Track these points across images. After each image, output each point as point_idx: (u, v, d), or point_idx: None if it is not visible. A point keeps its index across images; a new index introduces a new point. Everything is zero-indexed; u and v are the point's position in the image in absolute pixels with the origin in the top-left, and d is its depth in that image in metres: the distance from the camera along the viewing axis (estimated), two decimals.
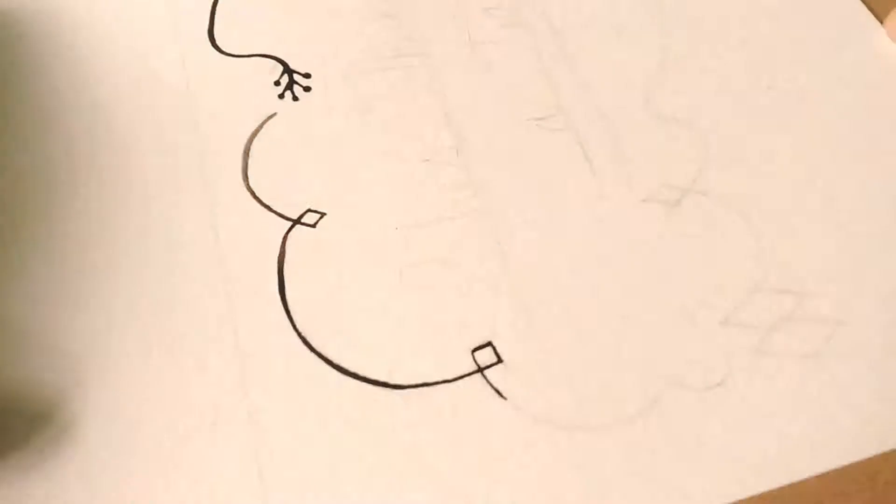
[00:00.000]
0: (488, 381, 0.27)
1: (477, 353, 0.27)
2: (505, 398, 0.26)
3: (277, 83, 0.33)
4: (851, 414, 0.26)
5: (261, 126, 0.33)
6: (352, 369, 0.27)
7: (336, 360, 0.27)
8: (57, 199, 0.30)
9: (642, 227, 0.30)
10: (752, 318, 0.28)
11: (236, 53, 0.34)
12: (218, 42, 0.34)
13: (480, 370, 0.27)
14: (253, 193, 0.31)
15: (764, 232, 0.29)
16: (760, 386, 0.26)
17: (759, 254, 0.29)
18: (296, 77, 0.34)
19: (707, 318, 0.28)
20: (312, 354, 0.27)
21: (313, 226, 0.30)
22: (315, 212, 0.30)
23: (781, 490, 0.24)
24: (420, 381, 0.27)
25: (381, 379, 0.27)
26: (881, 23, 0.35)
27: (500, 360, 0.27)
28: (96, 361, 0.26)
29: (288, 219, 0.30)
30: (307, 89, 0.34)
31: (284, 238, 0.30)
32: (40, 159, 0.31)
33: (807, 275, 0.28)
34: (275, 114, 0.33)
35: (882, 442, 0.25)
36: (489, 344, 0.27)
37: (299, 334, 0.28)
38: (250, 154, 0.32)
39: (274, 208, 0.30)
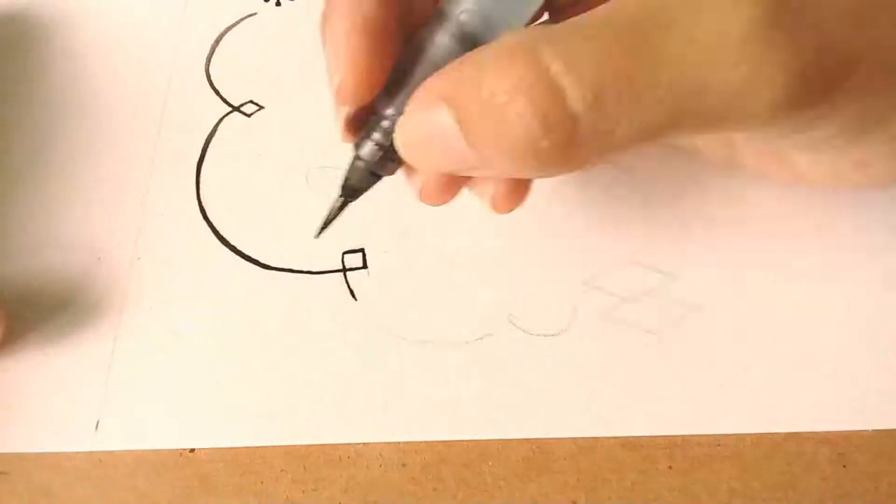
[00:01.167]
0: (346, 282, 0.29)
1: (347, 256, 0.29)
2: (356, 300, 0.28)
3: None
4: (666, 391, 0.26)
5: (238, 21, 0.35)
6: (231, 241, 0.29)
7: (222, 232, 0.30)
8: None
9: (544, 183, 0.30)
10: (613, 285, 0.28)
11: None
12: None
13: (343, 270, 0.29)
14: (208, 76, 0.34)
15: (656, 210, 0.29)
16: (591, 347, 0.27)
17: (645, 230, 0.29)
18: None
19: (570, 275, 0.28)
20: (204, 223, 0.30)
21: (249, 115, 0.33)
22: (255, 104, 0.33)
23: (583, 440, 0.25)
24: (287, 267, 0.29)
25: (254, 256, 0.29)
26: None
27: (365, 267, 0.29)
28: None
29: (230, 104, 0.33)
30: None
31: (220, 120, 0.32)
32: None
33: (680, 258, 0.28)
34: (255, 13, 0.36)
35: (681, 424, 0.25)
36: (361, 250, 0.29)
37: (200, 204, 0.30)
38: (219, 43, 0.35)
39: (220, 93, 0.33)
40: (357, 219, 0.30)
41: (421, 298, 0.28)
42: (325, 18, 0.20)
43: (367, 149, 0.21)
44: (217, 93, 0.33)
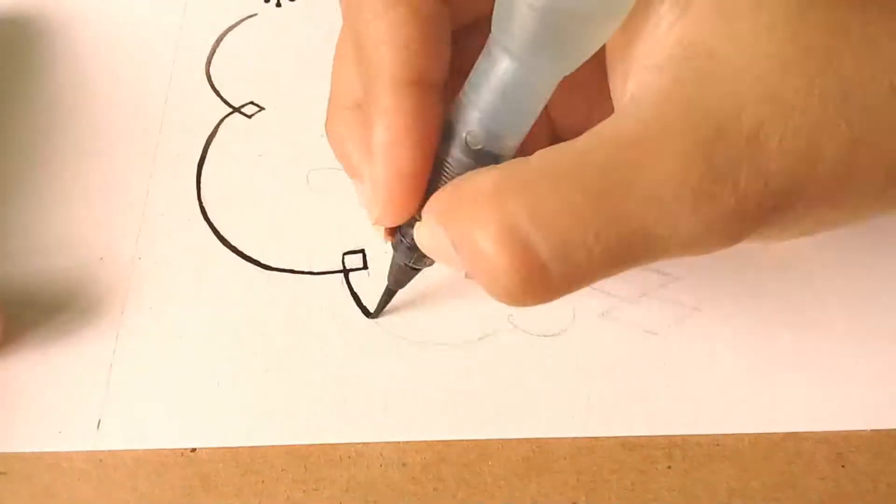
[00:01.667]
0: (347, 283, 0.29)
1: (347, 257, 0.29)
2: (360, 301, 0.28)
3: None
4: (666, 391, 0.26)
5: (238, 22, 0.35)
6: (232, 242, 0.29)
7: (222, 232, 0.30)
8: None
9: None
10: (613, 285, 0.28)
11: None
12: None
13: (345, 272, 0.29)
14: (209, 76, 0.34)
15: None
16: (591, 347, 0.27)
17: None
18: None
19: None
20: (205, 224, 0.30)
21: (249, 116, 0.33)
22: (256, 105, 0.33)
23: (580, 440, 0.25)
24: (288, 268, 0.29)
25: (255, 257, 0.29)
26: None
27: (365, 267, 0.29)
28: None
29: (230, 105, 0.33)
30: None
31: (221, 121, 0.33)
32: None
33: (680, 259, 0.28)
34: (255, 14, 0.36)
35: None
36: (361, 251, 0.29)
37: (201, 204, 0.30)
38: (220, 44, 0.35)
39: (221, 94, 0.33)
40: (357, 220, 0.30)
41: (421, 299, 0.28)
42: (357, 157, 0.22)
43: (402, 252, 0.23)
44: (218, 94, 0.33)
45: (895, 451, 0.25)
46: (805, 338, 0.27)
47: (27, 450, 0.26)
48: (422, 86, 0.19)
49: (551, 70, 0.18)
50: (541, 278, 0.17)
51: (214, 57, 0.34)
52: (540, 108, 0.19)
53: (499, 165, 0.18)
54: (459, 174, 0.19)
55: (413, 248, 0.22)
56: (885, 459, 0.25)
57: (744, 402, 0.26)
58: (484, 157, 0.19)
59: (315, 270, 0.29)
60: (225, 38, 0.35)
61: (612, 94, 0.20)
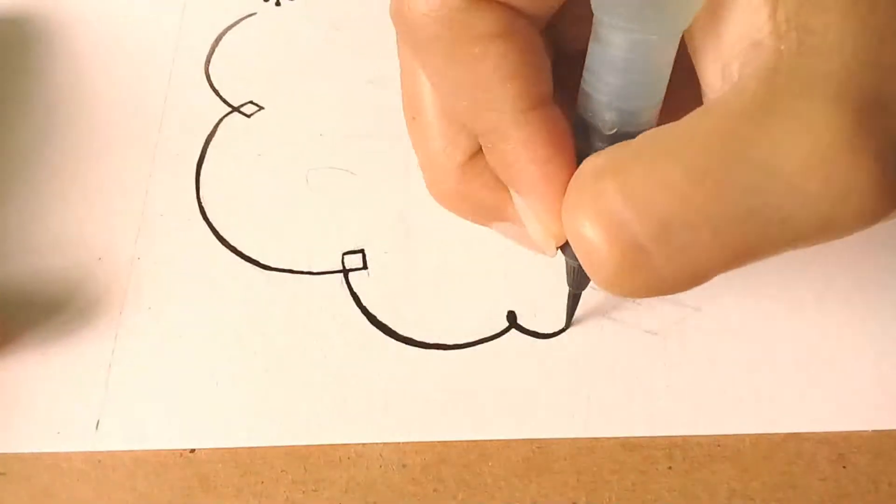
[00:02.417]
0: (347, 283, 0.29)
1: (347, 256, 0.29)
2: (360, 301, 0.28)
3: None
4: (666, 391, 0.26)
5: (238, 21, 0.35)
6: (231, 242, 0.29)
7: (221, 232, 0.30)
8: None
9: None
10: None
11: None
12: None
13: (344, 271, 0.29)
14: (207, 76, 0.34)
15: None
16: (591, 347, 0.27)
17: None
18: None
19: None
20: (204, 224, 0.30)
21: (249, 116, 0.33)
22: (255, 104, 0.33)
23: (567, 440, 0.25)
24: (287, 268, 0.29)
25: (254, 257, 0.29)
26: None
27: (365, 267, 0.29)
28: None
29: (229, 105, 0.33)
30: None
31: (220, 121, 0.32)
32: None
33: None
34: (255, 13, 0.36)
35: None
36: (361, 251, 0.29)
37: (200, 204, 0.30)
38: (219, 43, 0.35)
39: (220, 93, 0.33)
40: (357, 219, 0.30)
41: (421, 299, 0.28)
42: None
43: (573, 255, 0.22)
44: (217, 93, 0.33)
45: None
46: (805, 338, 0.27)
47: (26, 450, 0.25)
48: (541, 104, 0.19)
49: (667, 29, 0.17)
50: (641, 261, 0.16)
51: (213, 56, 0.34)
52: (667, 72, 0.18)
53: (605, 149, 0.18)
54: None
55: None
56: (885, 460, 0.25)
57: (744, 402, 0.26)
58: (623, 139, 0.19)
59: (314, 270, 0.29)
60: (224, 38, 0.35)
61: (700, 75, 0.19)
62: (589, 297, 0.28)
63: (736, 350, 0.27)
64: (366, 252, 0.29)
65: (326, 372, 0.27)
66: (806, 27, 0.16)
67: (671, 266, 0.16)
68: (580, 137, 0.20)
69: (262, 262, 0.29)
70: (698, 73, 0.19)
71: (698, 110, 0.17)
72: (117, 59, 0.34)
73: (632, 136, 0.18)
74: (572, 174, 0.19)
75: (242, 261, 0.29)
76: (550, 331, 0.28)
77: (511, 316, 0.28)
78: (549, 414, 0.26)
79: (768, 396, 0.26)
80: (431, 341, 0.27)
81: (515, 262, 0.29)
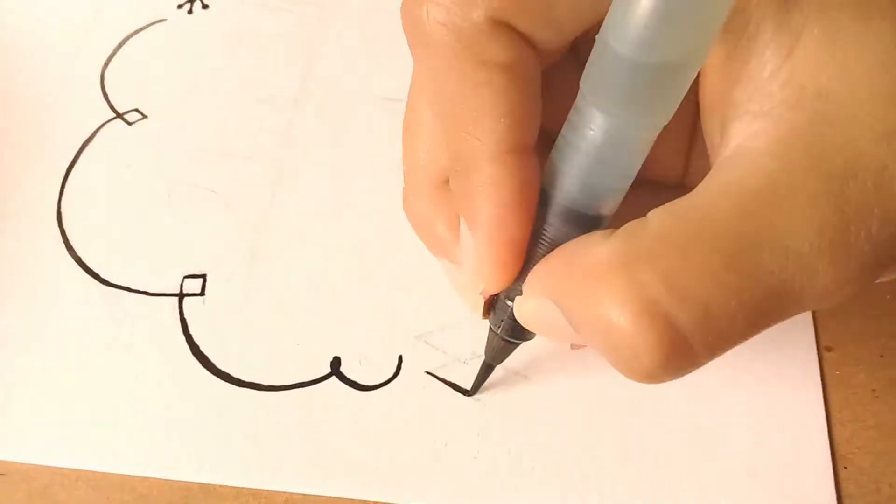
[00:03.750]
0: (180, 308, 0.28)
1: (187, 280, 0.29)
2: (186, 328, 0.28)
3: None
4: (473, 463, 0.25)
5: (146, 26, 0.35)
6: (78, 252, 0.29)
7: (71, 241, 0.29)
8: None
9: None
10: (442, 341, 0.27)
11: None
12: None
13: (180, 295, 0.28)
14: (102, 78, 0.33)
15: None
16: (408, 404, 0.26)
17: None
18: None
19: (403, 327, 0.27)
20: (57, 229, 0.30)
21: (130, 124, 0.32)
22: (140, 112, 0.33)
23: None
24: (125, 285, 0.29)
25: (95, 270, 0.29)
26: None
27: (202, 294, 0.28)
28: None
29: (115, 110, 0.33)
30: (205, 6, 0.36)
31: (101, 126, 0.32)
32: None
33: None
34: (165, 19, 0.35)
35: None
36: (203, 276, 0.29)
37: (59, 209, 0.30)
38: (122, 46, 0.34)
39: (109, 97, 0.33)
40: (207, 243, 0.29)
41: (249, 334, 0.27)
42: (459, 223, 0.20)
43: (503, 326, 0.22)
44: (106, 97, 0.33)
45: None
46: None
47: None
48: (523, 151, 0.19)
49: (649, 123, 0.17)
50: (684, 352, 0.16)
51: (113, 59, 0.34)
52: (639, 164, 0.18)
53: (613, 232, 0.17)
54: (555, 239, 0.19)
55: (513, 321, 0.21)
56: (886, 460, 0.25)
57: (553, 481, 0.24)
58: (583, 221, 0.19)
59: (151, 291, 0.28)
60: (129, 42, 0.35)
61: (707, 142, 0.19)
62: (416, 350, 0.27)
63: (551, 421, 0.25)
64: (207, 278, 0.29)
65: (137, 397, 0.26)
66: (822, 94, 0.16)
67: (706, 350, 0.16)
68: (539, 206, 0.19)
69: (101, 275, 0.29)
70: (704, 135, 0.19)
71: (712, 187, 0.17)
72: (21, 49, 0.34)
73: (594, 220, 0.18)
74: (526, 237, 0.19)
75: (83, 272, 0.29)
76: (372, 382, 0.27)
77: (335, 362, 0.27)
78: (351, 470, 0.25)
79: (581, 475, 0.24)
80: (247, 379, 0.27)
81: (350, 307, 0.28)
